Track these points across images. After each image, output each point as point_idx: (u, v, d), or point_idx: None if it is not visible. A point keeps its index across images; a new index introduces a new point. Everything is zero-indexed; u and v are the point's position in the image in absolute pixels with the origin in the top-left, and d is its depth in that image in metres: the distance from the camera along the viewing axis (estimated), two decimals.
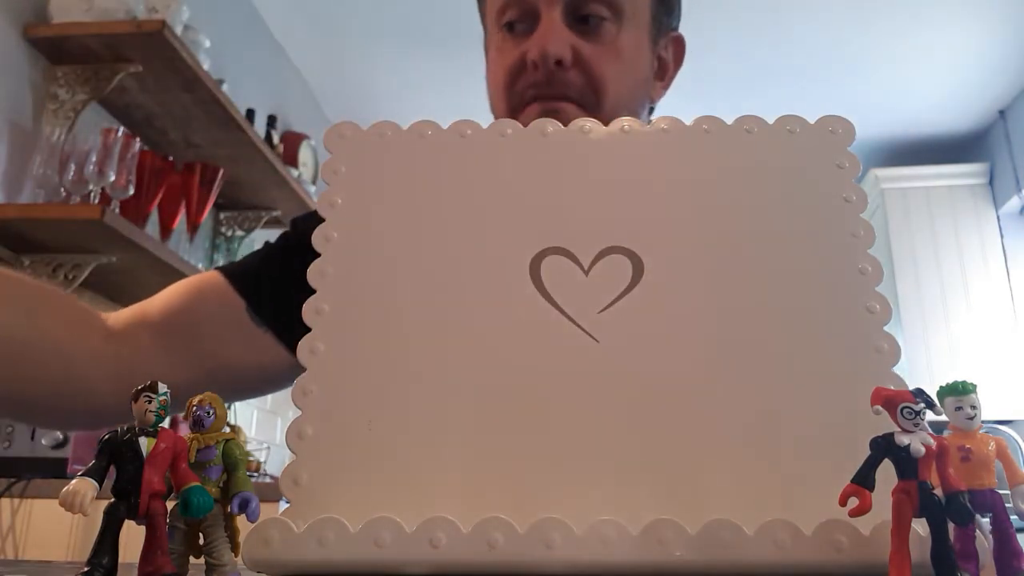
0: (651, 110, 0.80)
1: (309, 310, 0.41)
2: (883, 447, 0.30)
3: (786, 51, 3.01)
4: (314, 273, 0.41)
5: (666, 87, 0.81)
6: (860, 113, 3.06)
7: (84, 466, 0.31)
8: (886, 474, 0.30)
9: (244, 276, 0.73)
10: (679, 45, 0.81)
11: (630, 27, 0.72)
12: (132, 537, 0.32)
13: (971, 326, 3.29)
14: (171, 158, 2.05)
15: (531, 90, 0.70)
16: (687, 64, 0.82)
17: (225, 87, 2.09)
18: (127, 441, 0.32)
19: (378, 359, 0.39)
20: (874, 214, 3.51)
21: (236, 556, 0.34)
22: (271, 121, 2.62)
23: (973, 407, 0.31)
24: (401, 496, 0.36)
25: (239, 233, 2.59)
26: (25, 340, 0.61)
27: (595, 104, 0.70)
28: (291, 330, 0.66)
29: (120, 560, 0.31)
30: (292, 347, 0.69)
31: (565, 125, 0.45)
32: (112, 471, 0.32)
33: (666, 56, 0.79)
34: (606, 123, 0.45)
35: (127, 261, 1.80)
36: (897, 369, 0.38)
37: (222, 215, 2.58)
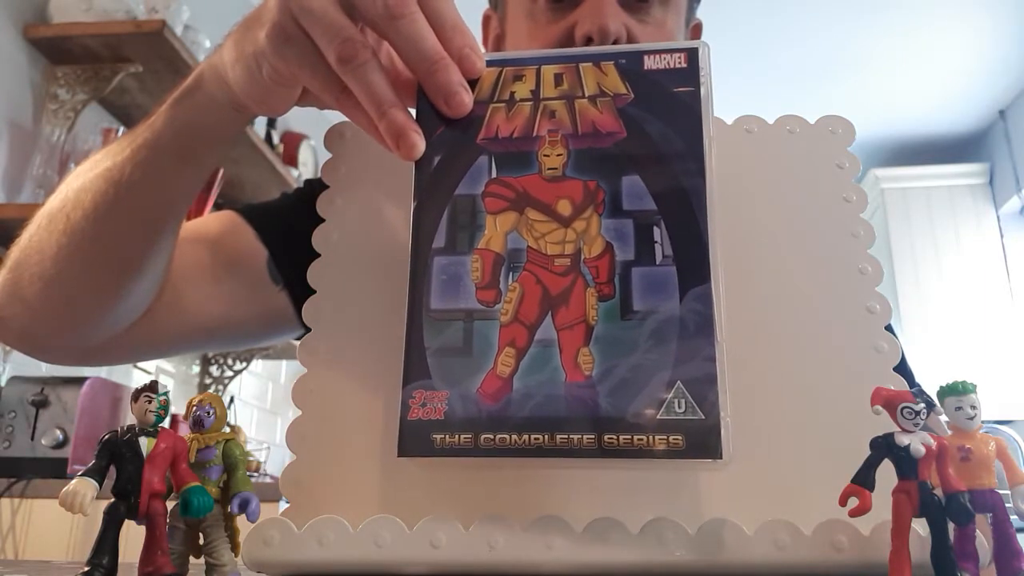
0: None
1: (309, 310, 0.41)
2: (883, 447, 0.30)
3: (786, 51, 3.01)
4: (314, 273, 0.41)
5: None
6: (860, 113, 3.06)
7: (84, 466, 0.31)
8: (886, 474, 0.30)
9: (269, 223, 0.67)
10: (697, 33, 0.79)
11: (673, 12, 0.71)
12: (132, 537, 0.32)
13: (971, 326, 3.29)
14: None
15: None
16: None
17: None
18: (127, 441, 0.32)
19: (378, 358, 0.39)
20: (874, 214, 3.51)
21: (236, 556, 0.34)
22: (271, 121, 2.61)
23: (973, 407, 0.31)
24: (401, 496, 0.36)
25: None
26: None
27: None
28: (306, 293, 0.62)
29: (120, 560, 0.31)
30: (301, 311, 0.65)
31: None
32: (112, 471, 0.32)
33: None
34: None
35: None
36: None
37: None
